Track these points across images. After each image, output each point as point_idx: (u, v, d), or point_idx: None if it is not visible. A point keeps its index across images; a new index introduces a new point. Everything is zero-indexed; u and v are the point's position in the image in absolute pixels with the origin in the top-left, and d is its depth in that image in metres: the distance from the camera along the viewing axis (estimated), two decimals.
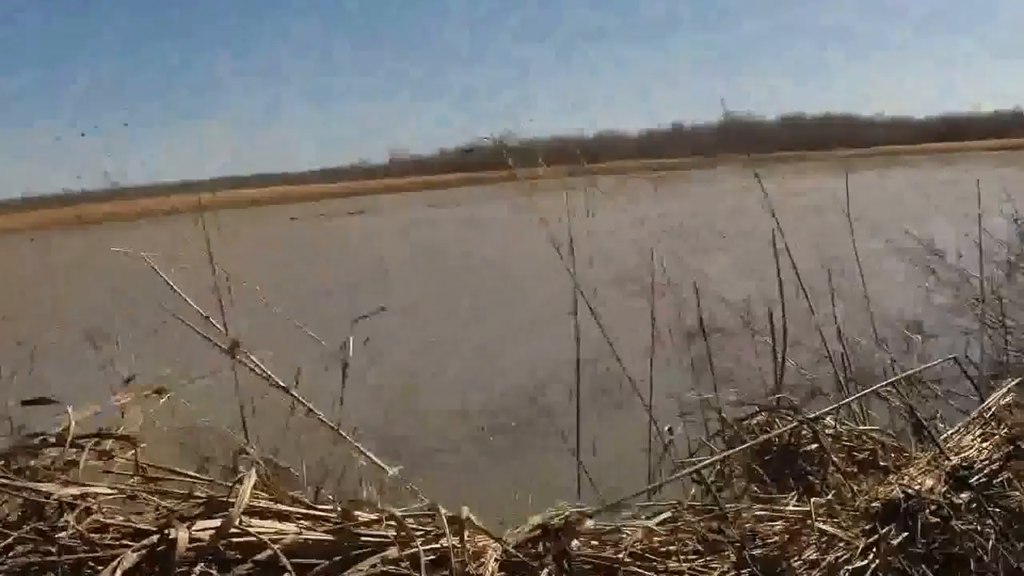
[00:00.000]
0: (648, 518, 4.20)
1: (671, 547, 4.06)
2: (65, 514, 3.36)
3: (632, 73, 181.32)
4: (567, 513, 3.94)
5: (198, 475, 3.98)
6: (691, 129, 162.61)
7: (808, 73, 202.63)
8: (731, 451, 5.13)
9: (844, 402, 5.77)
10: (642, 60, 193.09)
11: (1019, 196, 13.51)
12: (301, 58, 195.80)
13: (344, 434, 5.09)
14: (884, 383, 6.16)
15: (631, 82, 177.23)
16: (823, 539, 4.29)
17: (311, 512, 3.65)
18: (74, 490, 3.49)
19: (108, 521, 3.41)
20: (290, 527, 3.53)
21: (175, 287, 5.51)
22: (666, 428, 6.53)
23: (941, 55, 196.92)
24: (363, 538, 3.56)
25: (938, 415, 6.50)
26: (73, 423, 3.74)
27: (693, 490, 4.80)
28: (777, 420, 5.38)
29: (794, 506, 4.42)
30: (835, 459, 5.01)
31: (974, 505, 4.78)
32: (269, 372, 5.13)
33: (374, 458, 4.73)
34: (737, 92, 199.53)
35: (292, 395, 5.20)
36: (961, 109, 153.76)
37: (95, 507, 3.43)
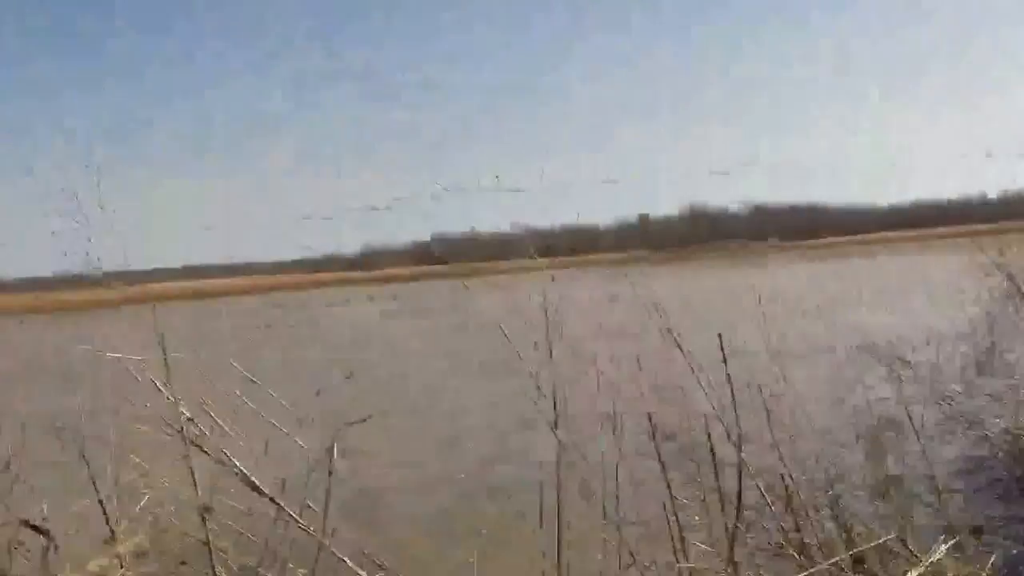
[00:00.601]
0: None
1: None
2: None
3: (601, 166, 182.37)
4: None
5: None
6: (657, 221, 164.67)
7: (776, 162, 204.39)
8: None
9: None
10: (607, 154, 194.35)
11: (977, 287, 13.67)
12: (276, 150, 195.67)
13: (328, 544, 5.12)
14: (829, 562, 6.12)
15: (601, 175, 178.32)
16: None
17: None
18: None
19: None
20: None
21: (167, 392, 5.57)
22: None
23: (902, 144, 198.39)
24: None
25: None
26: None
27: None
28: None
29: None
30: None
31: None
32: (255, 480, 5.17)
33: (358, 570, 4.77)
34: (701, 183, 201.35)
35: (277, 504, 5.24)
36: (924, 196, 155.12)
37: None
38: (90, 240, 5.55)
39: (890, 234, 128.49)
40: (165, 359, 5.76)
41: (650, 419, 8.64)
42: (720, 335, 7.22)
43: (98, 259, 5.76)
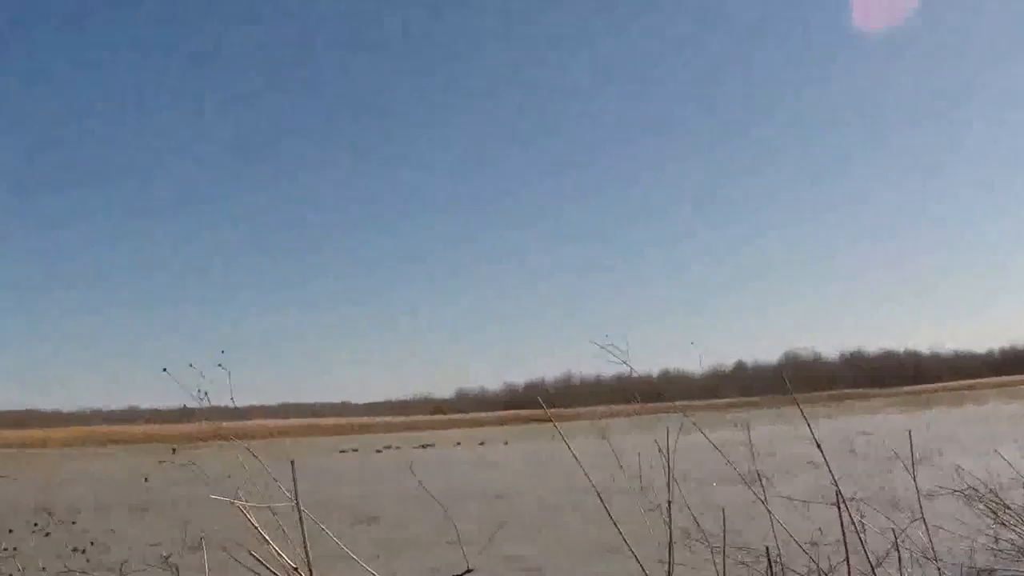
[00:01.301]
0: None
1: None
2: None
3: (698, 313, 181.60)
4: None
5: None
6: (753, 368, 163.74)
7: (868, 308, 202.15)
8: None
9: None
10: (707, 302, 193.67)
11: None
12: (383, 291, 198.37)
13: None
14: None
15: (696, 322, 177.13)
16: None
17: None
18: None
19: None
20: None
21: (267, 538, 5.72)
22: None
23: (1001, 285, 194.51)
24: None
25: None
26: None
27: None
28: None
29: None
30: None
31: None
32: None
33: None
34: (798, 329, 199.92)
35: None
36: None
37: None
38: (203, 394, 5.79)
39: (990, 379, 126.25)
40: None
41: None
42: (838, 490, 7.20)
43: (205, 395, 5.97)
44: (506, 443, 63.04)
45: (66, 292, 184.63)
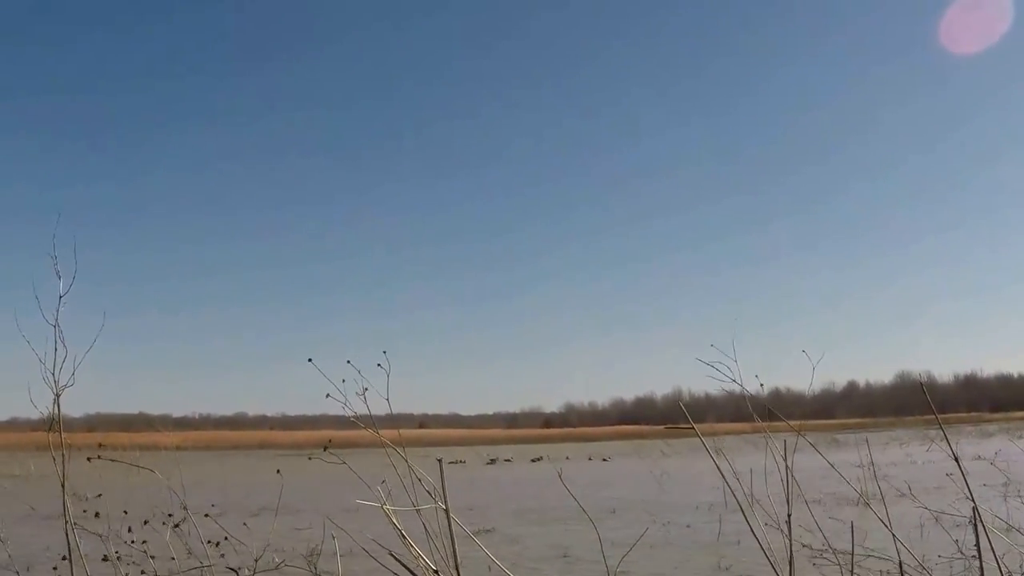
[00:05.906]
0: None
1: None
2: None
3: (809, 332, 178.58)
4: None
5: None
6: (865, 388, 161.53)
7: (984, 330, 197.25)
8: None
9: None
10: (818, 318, 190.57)
11: None
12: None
13: None
14: None
15: (808, 341, 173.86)
16: None
17: None
18: None
19: None
20: None
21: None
22: None
23: None
24: None
25: None
26: None
27: None
28: None
29: None
30: None
31: None
32: None
33: None
34: (911, 350, 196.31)
35: None
36: None
37: None
38: (363, 390, 6.05)
39: None
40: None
41: None
42: (974, 507, 7.34)
43: (364, 392, 6.14)
44: (605, 459, 62.94)
45: (175, 299, 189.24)
